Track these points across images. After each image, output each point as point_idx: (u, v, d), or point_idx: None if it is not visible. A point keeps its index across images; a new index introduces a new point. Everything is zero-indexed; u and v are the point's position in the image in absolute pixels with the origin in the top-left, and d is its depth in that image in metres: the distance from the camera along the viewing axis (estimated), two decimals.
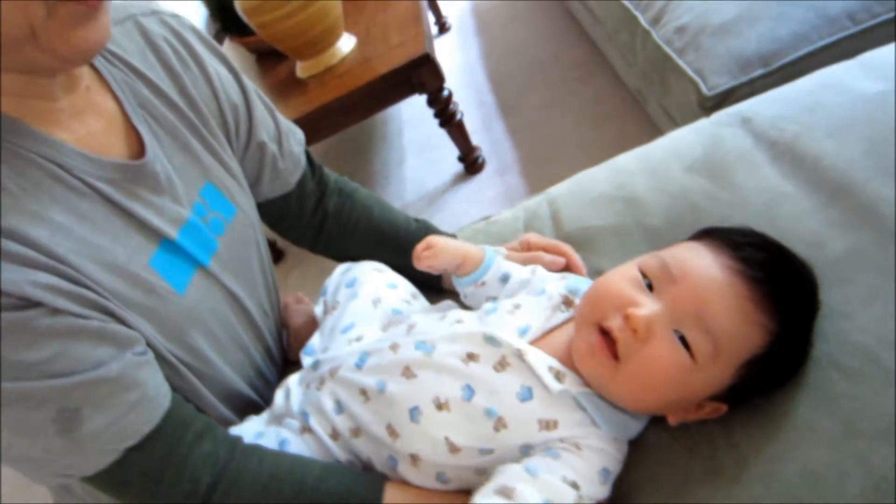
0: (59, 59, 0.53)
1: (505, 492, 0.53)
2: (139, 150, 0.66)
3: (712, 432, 0.58)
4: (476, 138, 2.20)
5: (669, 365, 0.53)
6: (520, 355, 0.60)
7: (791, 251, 0.59)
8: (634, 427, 0.61)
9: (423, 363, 0.63)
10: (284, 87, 2.04)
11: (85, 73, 0.63)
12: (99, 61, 0.66)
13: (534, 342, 0.63)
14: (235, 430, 0.71)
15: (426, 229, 0.93)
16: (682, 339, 0.54)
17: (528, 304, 0.68)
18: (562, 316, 0.66)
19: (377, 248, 0.91)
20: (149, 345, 0.62)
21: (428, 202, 2.13)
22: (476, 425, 0.59)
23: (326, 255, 0.98)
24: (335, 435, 0.66)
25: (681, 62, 1.17)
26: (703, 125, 0.92)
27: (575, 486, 0.55)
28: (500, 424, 0.58)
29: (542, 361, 0.60)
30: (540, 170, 2.02)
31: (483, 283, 0.75)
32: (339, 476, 0.62)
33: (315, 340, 0.79)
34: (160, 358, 0.64)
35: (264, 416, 0.74)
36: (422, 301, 0.85)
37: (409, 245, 0.78)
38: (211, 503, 0.59)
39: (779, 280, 0.55)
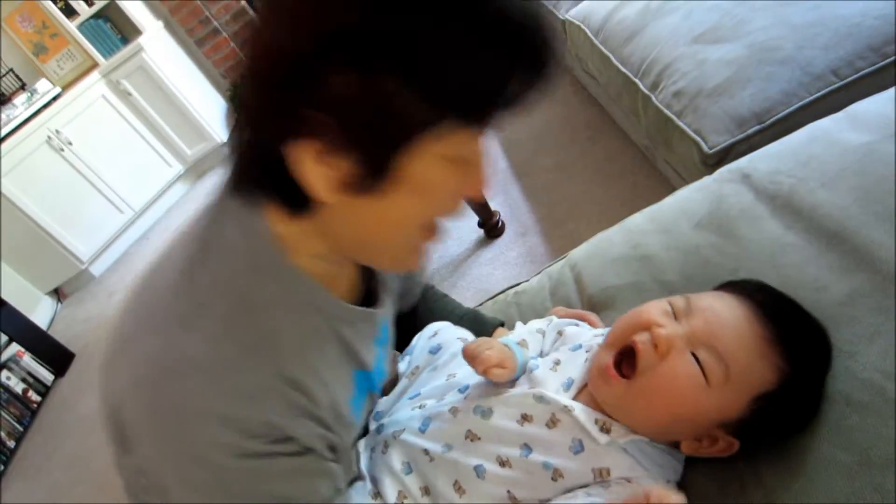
0: (388, 269, 0.69)
1: None
2: (361, 289, 0.73)
3: (741, 470, 0.63)
4: (494, 203, 2.29)
5: (683, 379, 0.60)
6: (567, 411, 0.65)
7: (806, 310, 0.66)
8: (678, 468, 0.66)
9: (483, 427, 0.68)
10: None
11: None
12: None
13: (577, 396, 0.69)
14: None
15: (475, 315, 0.98)
16: (697, 360, 0.60)
17: (567, 359, 0.74)
18: None
19: None
20: None
21: (453, 269, 2.21)
22: (535, 478, 0.64)
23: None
24: (403, 496, 0.71)
25: (681, 123, 1.25)
26: (707, 183, 0.99)
27: None
28: (556, 475, 0.64)
29: (587, 416, 0.65)
30: (559, 228, 2.09)
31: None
32: None
33: (384, 404, 0.84)
34: None
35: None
36: None
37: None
38: None
39: (792, 326, 0.62)
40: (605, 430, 0.64)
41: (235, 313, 0.56)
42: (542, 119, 2.66)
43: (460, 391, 0.79)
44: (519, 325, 0.88)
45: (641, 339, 0.63)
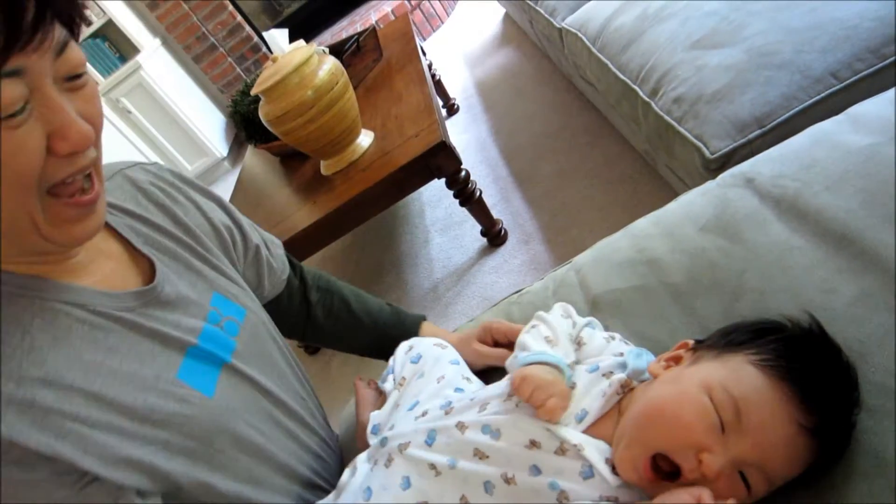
0: (60, 245, 0.63)
1: None
2: (150, 277, 0.75)
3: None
4: (496, 211, 2.30)
5: (727, 497, 0.56)
6: (578, 449, 0.64)
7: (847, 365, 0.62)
8: None
9: (491, 447, 0.68)
10: (311, 186, 2.17)
11: None
12: None
13: (589, 429, 0.67)
14: None
15: (397, 314, 1.08)
16: (744, 478, 0.57)
17: (583, 382, 0.72)
18: (616, 399, 0.69)
19: (357, 334, 1.07)
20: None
21: (457, 278, 2.21)
22: (541, 497, 0.63)
23: (313, 342, 1.13)
24: None
25: (682, 129, 1.25)
26: (711, 187, 0.99)
27: None
28: (562, 497, 0.63)
29: (599, 455, 0.64)
30: (562, 235, 2.10)
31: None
32: None
33: (379, 418, 0.84)
34: (209, 462, 0.71)
35: (330, 498, 0.79)
36: (476, 383, 0.89)
37: (383, 328, 1.04)
38: None
39: (836, 420, 0.58)
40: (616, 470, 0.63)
41: None
42: (541, 126, 2.68)
43: (456, 391, 0.80)
44: (547, 322, 0.81)
45: (688, 462, 0.57)
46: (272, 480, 0.79)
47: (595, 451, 0.64)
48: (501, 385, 0.76)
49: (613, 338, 0.81)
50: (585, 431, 0.67)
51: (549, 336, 0.77)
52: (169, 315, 0.74)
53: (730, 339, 0.67)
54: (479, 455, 0.68)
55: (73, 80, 0.57)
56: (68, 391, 0.60)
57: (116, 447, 0.61)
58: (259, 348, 0.86)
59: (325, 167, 2.12)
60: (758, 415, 0.57)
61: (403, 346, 0.96)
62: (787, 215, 0.84)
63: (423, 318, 1.08)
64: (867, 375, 0.62)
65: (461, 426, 0.71)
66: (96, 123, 0.60)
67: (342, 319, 1.07)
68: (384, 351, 1.01)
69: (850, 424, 0.59)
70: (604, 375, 0.72)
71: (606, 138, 2.32)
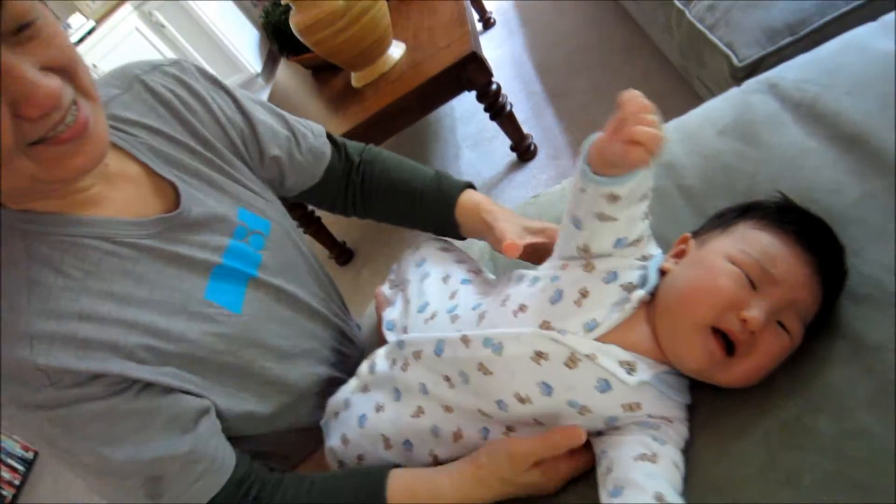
0: (66, 182, 0.62)
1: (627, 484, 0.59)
2: (174, 199, 0.75)
3: None
4: (527, 126, 2.29)
5: (779, 351, 0.60)
6: (591, 358, 0.63)
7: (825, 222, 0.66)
8: (687, 389, 0.67)
9: (494, 361, 0.67)
10: (341, 98, 2.18)
11: None
12: (115, 134, 0.73)
13: (602, 338, 0.65)
14: (330, 400, 0.84)
15: (438, 180, 0.97)
16: (782, 325, 0.60)
17: (596, 291, 0.67)
18: (630, 310, 0.66)
19: (395, 200, 1.00)
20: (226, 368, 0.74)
21: (486, 192, 2.22)
22: (560, 413, 0.65)
23: (361, 217, 1.07)
24: (422, 410, 0.74)
25: (713, 37, 1.23)
26: (734, 93, 0.99)
27: (681, 451, 0.62)
28: (584, 410, 0.64)
29: (612, 360, 0.63)
30: None
31: (617, 198, 0.64)
32: (344, 493, 0.73)
33: (393, 315, 0.88)
34: (241, 373, 0.76)
35: (352, 383, 0.84)
36: (486, 275, 0.92)
37: (420, 194, 0.94)
38: None
39: (832, 258, 0.63)
40: (632, 370, 0.63)
41: None
42: (578, 41, 2.62)
43: (463, 282, 0.83)
44: None
45: (734, 325, 0.59)
46: (295, 370, 0.85)
47: (607, 358, 0.63)
48: (509, 277, 0.78)
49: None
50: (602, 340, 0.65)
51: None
52: (195, 236, 0.75)
53: (724, 219, 0.70)
54: (484, 370, 0.67)
55: (22, 30, 0.53)
56: (104, 322, 0.63)
57: (155, 362, 0.67)
58: (284, 258, 0.88)
59: (356, 79, 2.13)
60: (780, 264, 0.61)
61: (409, 250, 0.98)
62: (805, 119, 0.84)
63: (468, 185, 0.97)
64: (859, 268, 0.64)
65: (465, 340, 0.70)
66: (65, 62, 0.57)
67: (382, 193, 1.00)
68: (428, 220, 0.97)
69: (843, 264, 0.64)
70: (622, 287, 0.67)
71: (644, 54, 2.26)
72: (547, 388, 0.64)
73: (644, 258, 0.70)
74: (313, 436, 0.86)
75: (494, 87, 1.97)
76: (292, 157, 0.94)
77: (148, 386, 0.66)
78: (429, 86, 1.86)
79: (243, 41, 4.56)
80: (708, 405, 0.66)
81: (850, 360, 0.59)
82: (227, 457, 0.71)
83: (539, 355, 0.64)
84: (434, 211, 0.96)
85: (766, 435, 0.59)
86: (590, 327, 0.64)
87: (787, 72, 0.94)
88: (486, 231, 0.89)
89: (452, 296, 0.83)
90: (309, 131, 0.98)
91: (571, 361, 0.63)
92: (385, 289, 0.99)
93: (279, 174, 0.94)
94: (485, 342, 0.68)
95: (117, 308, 0.65)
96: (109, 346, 0.63)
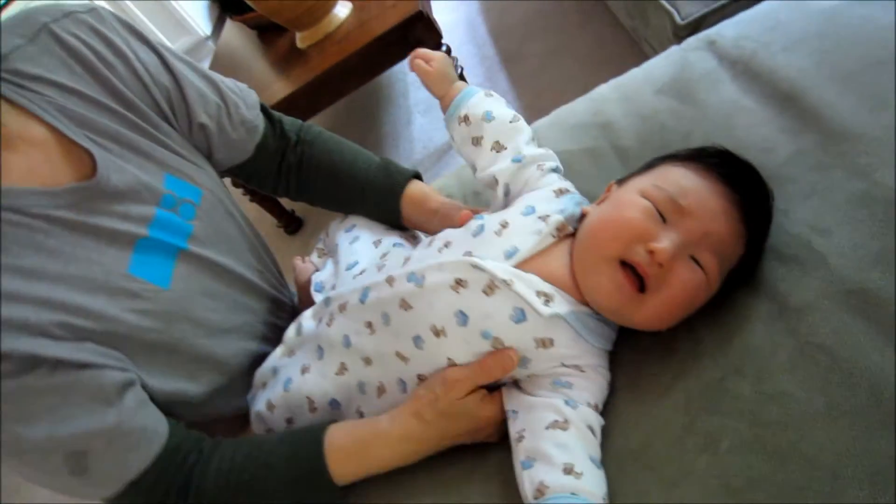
0: None
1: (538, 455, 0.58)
2: (90, 166, 0.67)
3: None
4: None
5: (692, 287, 0.58)
6: (507, 284, 0.62)
7: (752, 164, 0.65)
8: (613, 337, 0.66)
9: (416, 294, 0.66)
10: (286, 60, 2.10)
11: None
12: (17, 91, 0.66)
13: (521, 265, 0.65)
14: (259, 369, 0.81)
15: (384, 168, 0.92)
16: (696, 262, 0.58)
17: (516, 223, 0.68)
18: (551, 240, 0.67)
19: (338, 187, 0.94)
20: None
21: (437, 158, 2.19)
22: (474, 346, 0.64)
23: (293, 199, 0.99)
24: (344, 367, 0.72)
25: None
26: (674, 51, 0.96)
27: (596, 407, 0.61)
28: (497, 343, 0.62)
29: (529, 288, 0.62)
30: (543, 115, 2.05)
31: (467, 119, 0.79)
32: (282, 449, 0.69)
33: (322, 277, 0.85)
34: (169, 349, 0.71)
35: (279, 350, 0.81)
36: (421, 237, 0.90)
37: (365, 181, 0.89)
38: None
39: (754, 196, 0.62)
40: (548, 301, 0.62)
41: None
42: (533, 4, 2.56)
43: (395, 246, 0.80)
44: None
45: (641, 257, 0.58)
46: (227, 346, 0.80)
47: (524, 285, 0.62)
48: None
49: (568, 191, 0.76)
50: (522, 268, 0.65)
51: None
52: (116, 206, 0.69)
53: (649, 164, 0.69)
54: (405, 306, 0.67)
55: None
56: (11, 299, 0.58)
57: (72, 338, 0.62)
58: (216, 228, 0.81)
59: (301, 39, 2.04)
60: (692, 196, 0.60)
61: (337, 219, 0.95)
62: (742, 76, 0.82)
63: (415, 175, 0.93)
64: (787, 227, 0.62)
65: (390, 280, 0.69)
66: None
67: (321, 175, 0.93)
68: (371, 209, 0.93)
69: (768, 206, 0.63)
70: (540, 218, 0.68)
71: (599, 20, 2.23)
72: (463, 318, 0.63)
73: (561, 191, 0.73)
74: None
75: (445, 48, 1.91)
76: (222, 127, 0.85)
77: (64, 361, 0.61)
78: (375, 46, 1.80)
79: (191, 2, 4.38)
80: (632, 365, 0.65)
81: (774, 322, 0.57)
82: (159, 427, 0.67)
83: (459, 283, 0.64)
84: (378, 201, 0.91)
85: (688, 398, 0.58)
86: (510, 254, 0.65)
87: (727, 29, 0.91)
88: (430, 219, 0.87)
89: (383, 256, 0.81)
90: (242, 101, 0.88)
91: (489, 288, 0.63)
92: (313, 257, 0.95)
93: (206, 146, 0.85)
94: (409, 277, 0.68)
95: (26, 284, 0.60)
96: (18, 324, 0.58)
